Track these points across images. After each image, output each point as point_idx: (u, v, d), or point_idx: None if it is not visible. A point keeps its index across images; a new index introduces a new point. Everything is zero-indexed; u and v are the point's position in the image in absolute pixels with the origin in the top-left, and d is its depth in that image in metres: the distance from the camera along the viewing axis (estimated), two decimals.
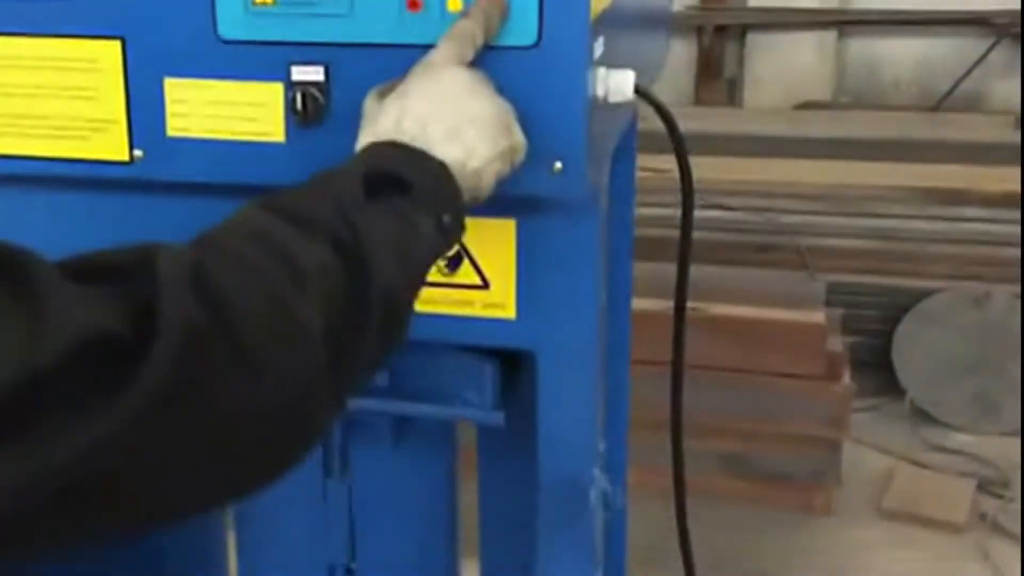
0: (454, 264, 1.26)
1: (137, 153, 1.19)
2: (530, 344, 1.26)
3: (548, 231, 1.22)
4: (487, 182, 1.06)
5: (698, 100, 6.84)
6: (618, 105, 1.18)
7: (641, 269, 4.30)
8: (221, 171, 1.18)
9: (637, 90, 1.17)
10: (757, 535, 3.58)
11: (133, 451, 0.70)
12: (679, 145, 1.27)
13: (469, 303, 1.26)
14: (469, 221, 1.22)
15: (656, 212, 4.82)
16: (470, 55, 1.07)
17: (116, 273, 0.75)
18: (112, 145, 1.19)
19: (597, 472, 1.25)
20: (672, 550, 3.53)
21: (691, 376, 3.69)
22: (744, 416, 3.62)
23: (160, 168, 1.19)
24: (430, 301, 1.26)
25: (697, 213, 4.62)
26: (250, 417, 0.77)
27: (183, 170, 1.19)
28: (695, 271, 4.60)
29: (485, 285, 1.25)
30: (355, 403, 1.37)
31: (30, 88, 1.18)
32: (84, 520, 0.70)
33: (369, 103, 1.09)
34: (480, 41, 1.07)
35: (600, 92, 1.16)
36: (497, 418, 1.33)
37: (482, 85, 1.06)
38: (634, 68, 1.17)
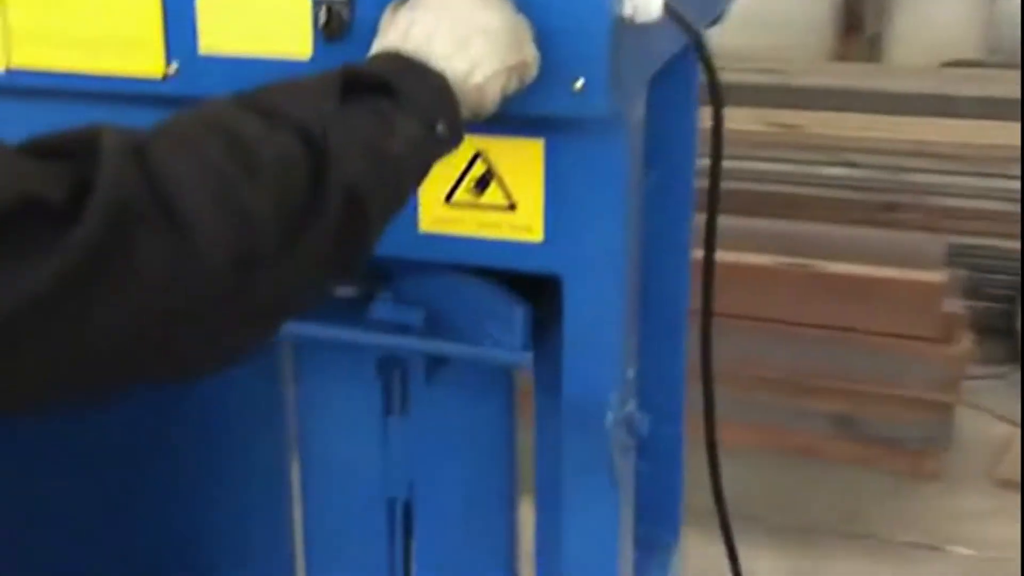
0: (481, 185, 1.25)
1: (171, 69, 1.22)
2: (556, 267, 1.25)
3: (576, 153, 1.21)
4: (491, 96, 1.06)
5: (838, 56, 6.67)
6: (652, 30, 1.16)
7: (762, 225, 4.25)
8: (244, 84, 1.19)
9: (667, 11, 1.15)
10: (863, 497, 3.51)
11: (58, 313, 0.72)
12: (711, 75, 1.23)
13: (496, 225, 1.25)
14: (497, 142, 1.23)
15: (781, 168, 4.73)
16: None
17: (62, 149, 0.78)
18: (147, 60, 1.22)
19: (616, 395, 1.23)
20: (761, 508, 3.50)
21: (801, 334, 3.66)
22: (855, 377, 3.54)
23: (192, 84, 1.21)
24: (457, 222, 1.26)
25: (824, 170, 4.56)
26: (185, 292, 0.78)
27: (214, 86, 1.21)
28: (814, 228, 4.53)
29: (512, 207, 1.25)
30: (395, 340, 1.39)
31: (67, 1, 1.21)
32: (15, 379, 0.73)
33: (385, 15, 1.09)
34: None
35: (627, 11, 1.13)
36: (526, 359, 1.34)
37: None
38: None
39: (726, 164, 4.85)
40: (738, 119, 5.36)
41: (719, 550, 3.36)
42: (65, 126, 1.26)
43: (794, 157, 4.66)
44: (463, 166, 1.25)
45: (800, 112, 5.27)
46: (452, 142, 1.03)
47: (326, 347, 1.45)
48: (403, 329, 1.39)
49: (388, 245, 1.30)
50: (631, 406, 1.29)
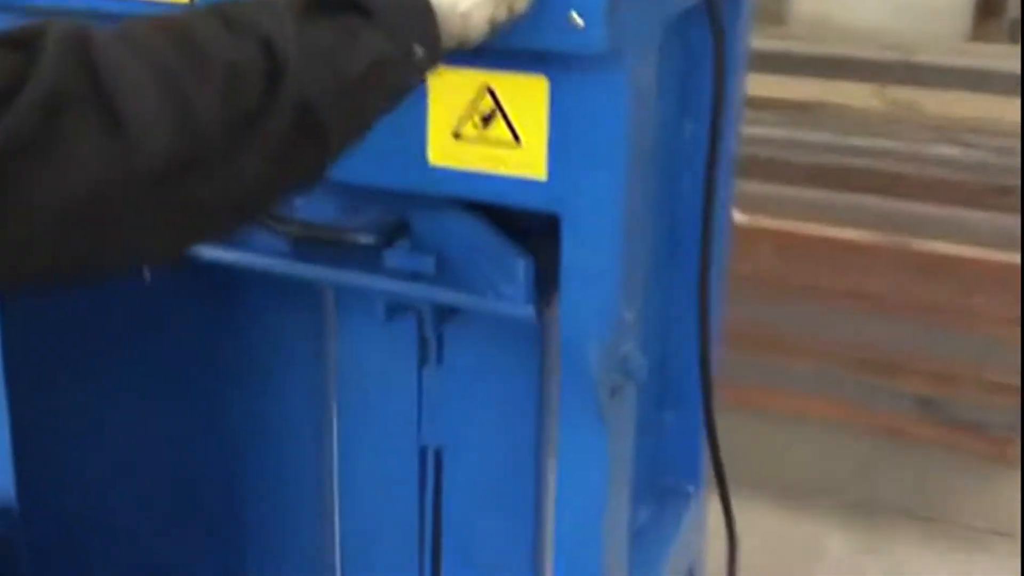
0: (487, 119, 1.27)
1: None
2: (556, 206, 1.27)
3: (578, 91, 1.22)
4: (477, 24, 1.08)
5: (975, 37, 6.47)
6: None
7: (865, 201, 4.18)
8: None
9: None
10: (943, 481, 3.45)
11: None
12: (715, 31, 1.23)
13: (502, 161, 1.28)
14: (504, 77, 1.25)
15: (893, 146, 4.63)
16: None
17: (10, 40, 0.83)
18: None
19: (609, 335, 1.25)
20: (838, 484, 3.46)
21: (890, 312, 3.59)
22: (944, 358, 3.47)
23: None
24: (465, 157, 1.29)
25: (938, 149, 4.44)
26: (119, 183, 0.82)
27: None
28: (918, 207, 4.44)
29: (517, 143, 1.27)
30: (404, 286, 1.43)
31: None
32: None
33: None
34: None
35: None
36: (528, 311, 1.36)
37: None
38: None
39: (838, 139, 4.79)
40: (857, 95, 5.27)
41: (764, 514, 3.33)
42: None
43: (909, 135, 4.55)
44: (470, 101, 1.27)
45: (921, 91, 5.15)
46: (430, 66, 1.05)
47: (365, 297, 1.49)
48: (415, 277, 1.43)
49: (399, 178, 1.35)
50: (628, 348, 1.30)
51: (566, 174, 1.25)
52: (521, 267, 1.36)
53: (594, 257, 1.26)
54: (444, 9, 1.06)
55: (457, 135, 1.29)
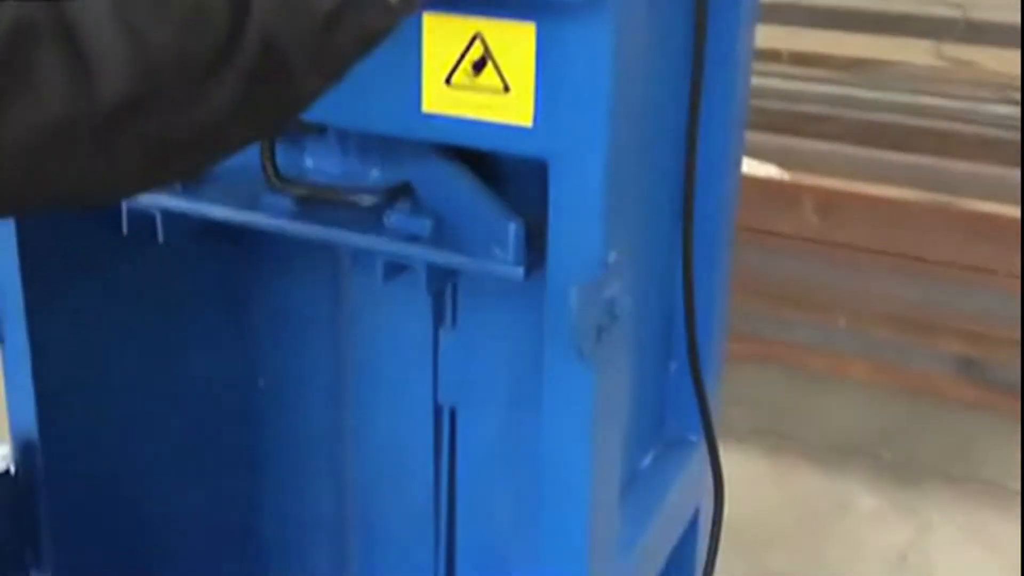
0: (478, 67, 1.30)
1: None
2: (543, 152, 1.30)
3: (564, 38, 1.24)
4: None
5: None
6: None
7: (911, 159, 4.13)
8: None
9: None
10: (978, 441, 3.44)
11: None
12: None
13: (490, 107, 1.30)
14: (493, 24, 1.28)
15: (945, 104, 4.56)
16: None
17: None
18: None
19: (592, 275, 1.28)
20: (872, 444, 3.45)
21: (931, 272, 3.56)
22: (983, 318, 3.44)
23: None
24: (456, 104, 1.32)
25: (989, 107, 4.36)
26: (83, 113, 0.86)
27: None
28: (964, 166, 4.39)
29: (507, 90, 1.29)
30: (401, 247, 1.47)
31: None
32: None
33: None
34: None
35: None
36: (516, 273, 1.40)
37: None
38: None
39: (891, 97, 4.72)
40: (914, 51, 5.19)
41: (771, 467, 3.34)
42: None
43: (964, 93, 4.48)
44: (462, 48, 1.30)
45: (979, 48, 5.06)
46: (406, 10, 1.07)
47: (380, 259, 1.53)
48: (413, 238, 1.47)
49: (394, 124, 1.39)
50: (614, 289, 1.33)
51: (553, 120, 1.28)
52: (512, 229, 1.40)
53: (578, 199, 1.29)
54: None
55: (449, 82, 1.32)
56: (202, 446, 2.01)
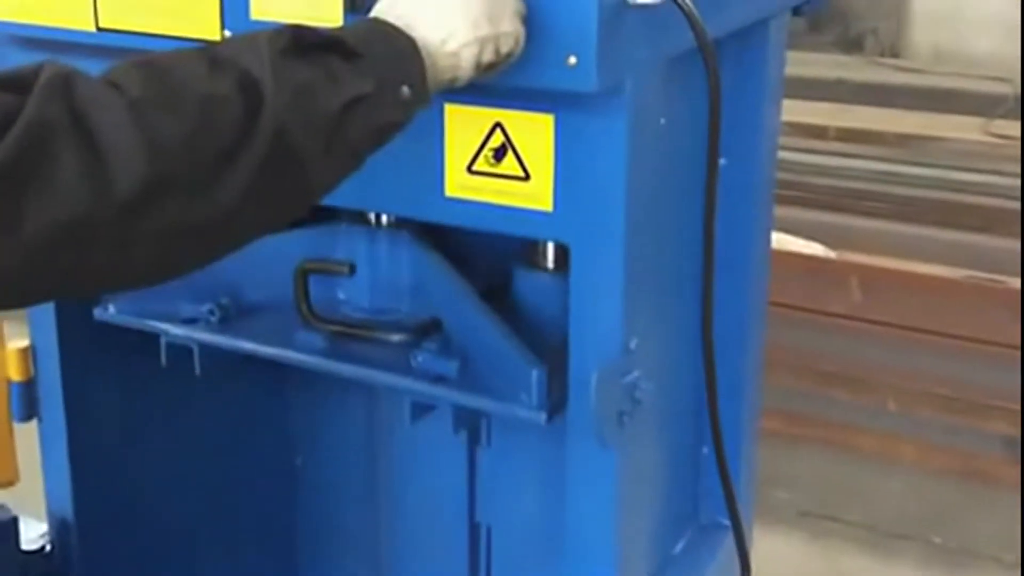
0: (499, 155, 1.32)
1: (227, 34, 1.35)
2: (564, 236, 1.31)
3: (581, 128, 1.27)
4: (466, 64, 1.14)
5: None
6: (659, 11, 1.21)
7: (954, 237, 4.11)
8: None
9: None
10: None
11: None
12: (708, 60, 1.25)
13: (512, 194, 1.32)
14: (513, 115, 1.30)
15: (989, 180, 4.54)
16: None
17: (5, 82, 0.91)
18: (207, 25, 1.35)
19: (613, 362, 1.28)
20: (918, 527, 3.37)
21: (980, 352, 3.52)
22: None
23: None
24: (478, 189, 1.34)
25: None
26: (102, 207, 0.89)
27: None
28: (1010, 244, 4.36)
29: (527, 177, 1.31)
30: (429, 388, 1.51)
31: None
32: None
33: None
34: None
35: None
36: (539, 418, 1.42)
37: None
38: None
39: (937, 173, 4.73)
40: (961, 128, 5.17)
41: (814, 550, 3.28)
42: None
43: (1008, 169, 4.45)
44: (483, 136, 1.32)
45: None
46: (417, 104, 1.11)
47: (407, 399, 1.56)
48: (440, 379, 1.50)
49: (417, 208, 1.41)
50: (635, 375, 1.33)
51: (572, 206, 1.29)
52: (535, 376, 1.42)
53: (598, 286, 1.30)
54: (432, 49, 1.12)
55: (471, 169, 1.34)
56: (237, 529, 2.02)
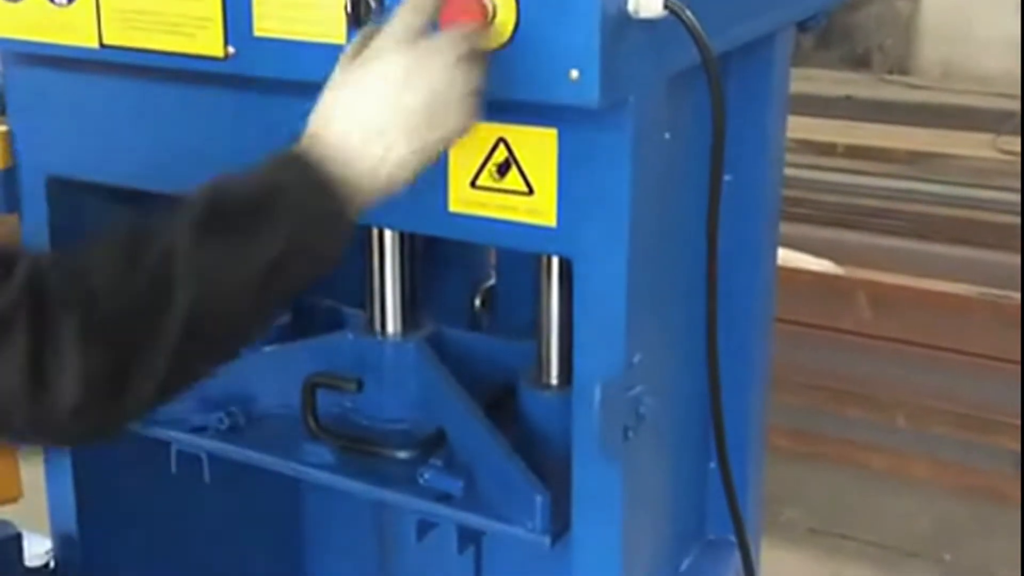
0: (503, 170, 1.32)
1: (230, 50, 1.35)
2: (567, 251, 1.31)
3: (584, 142, 1.26)
4: (403, 178, 1.16)
5: None
6: (662, 26, 1.20)
7: (966, 253, 4.10)
8: (294, 68, 1.32)
9: (667, 7, 1.19)
10: None
11: None
12: (712, 75, 1.25)
13: (515, 209, 1.32)
14: (516, 130, 1.30)
15: (1001, 196, 4.52)
16: (423, 24, 1.16)
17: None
18: (211, 42, 1.35)
19: (616, 376, 1.27)
20: (931, 546, 3.35)
21: (990, 368, 3.51)
22: None
23: (248, 64, 1.34)
24: (481, 205, 1.34)
25: None
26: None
27: (265, 67, 1.34)
28: (1018, 260, 4.34)
29: (530, 192, 1.31)
30: (433, 507, 1.52)
31: None
32: None
33: (338, 66, 1.19)
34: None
35: (630, 6, 1.18)
36: (543, 543, 1.44)
37: (423, 69, 1.14)
38: None
39: (946, 190, 4.74)
40: (970, 144, 5.16)
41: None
42: (143, 103, 1.44)
43: (1016, 186, 4.44)
44: (487, 152, 1.32)
45: None
46: (348, 235, 1.12)
47: (413, 518, 1.58)
48: (445, 497, 1.52)
49: (421, 223, 1.41)
50: (639, 390, 1.33)
51: (575, 221, 1.29)
52: (539, 502, 1.43)
53: (602, 301, 1.30)
54: (364, 182, 1.13)
55: (474, 184, 1.34)
56: (244, 543, 2.02)
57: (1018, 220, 4.27)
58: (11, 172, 1.61)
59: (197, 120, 1.43)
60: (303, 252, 1.08)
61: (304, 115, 1.16)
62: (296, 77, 1.32)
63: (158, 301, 1.02)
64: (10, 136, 1.60)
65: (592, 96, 1.18)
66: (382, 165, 1.13)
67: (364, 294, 1.72)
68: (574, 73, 1.18)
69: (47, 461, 1.76)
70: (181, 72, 1.39)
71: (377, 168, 1.13)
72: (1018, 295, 3.53)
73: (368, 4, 1.25)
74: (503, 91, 1.22)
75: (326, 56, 1.29)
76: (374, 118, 1.12)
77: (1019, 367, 3.40)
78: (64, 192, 1.60)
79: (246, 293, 1.06)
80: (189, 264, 1.02)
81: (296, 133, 1.16)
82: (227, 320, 1.06)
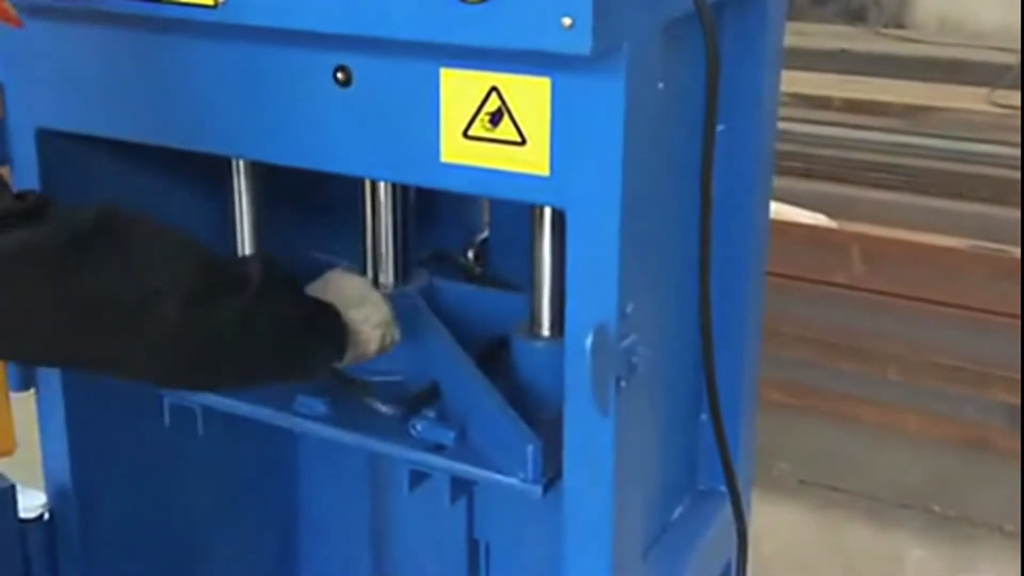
0: (495, 120, 1.31)
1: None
2: (560, 201, 1.30)
3: (577, 91, 1.25)
4: (376, 340, 1.50)
5: None
6: None
7: (961, 207, 4.10)
8: (284, 17, 1.31)
9: None
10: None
11: None
12: (706, 23, 1.24)
13: (508, 158, 1.31)
14: (510, 79, 1.30)
15: (995, 150, 4.51)
16: None
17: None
18: None
19: (607, 325, 1.27)
20: (923, 497, 3.37)
21: (983, 322, 3.51)
22: None
23: (238, 13, 1.33)
24: (474, 155, 1.33)
25: None
26: None
27: (256, 15, 1.33)
28: (1013, 213, 4.35)
29: (523, 142, 1.30)
30: (426, 457, 1.55)
31: None
32: None
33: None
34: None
35: None
36: (535, 492, 1.46)
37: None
38: None
39: (942, 144, 4.72)
40: (966, 98, 5.14)
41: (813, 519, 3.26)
42: (135, 53, 1.43)
43: (1012, 140, 4.42)
44: (479, 101, 1.31)
45: None
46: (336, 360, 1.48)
47: (405, 468, 1.59)
48: (438, 447, 1.54)
49: (413, 174, 1.40)
50: (631, 340, 1.33)
51: (568, 170, 1.28)
52: (530, 451, 1.45)
53: (594, 251, 1.29)
54: (356, 325, 1.47)
55: (467, 134, 1.33)
56: (237, 493, 2.03)
57: (1012, 174, 4.26)
58: (1, 124, 1.61)
59: (187, 71, 1.41)
60: (319, 347, 1.45)
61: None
62: (286, 26, 1.32)
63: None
64: (0, 88, 1.59)
65: (585, 44, 1.18)
66: (365, 324, 1.49)
67: (358, 247, 1.72)
68: (567, 20, 1.17)
69: (40, 414, 1.76)
70: (171, 22, 1.37)
71: (362, 324, 1.49)
72: (1011, 248, 3.53)
73: None
74: (495, 39, 1.22)
75: (316, 4, 1.29)
76: (353, 297, 1.51)
77: (1011, 320, 3.41)
78: (54, 144, 1.59)
79: (287, 339, 1.38)
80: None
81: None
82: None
